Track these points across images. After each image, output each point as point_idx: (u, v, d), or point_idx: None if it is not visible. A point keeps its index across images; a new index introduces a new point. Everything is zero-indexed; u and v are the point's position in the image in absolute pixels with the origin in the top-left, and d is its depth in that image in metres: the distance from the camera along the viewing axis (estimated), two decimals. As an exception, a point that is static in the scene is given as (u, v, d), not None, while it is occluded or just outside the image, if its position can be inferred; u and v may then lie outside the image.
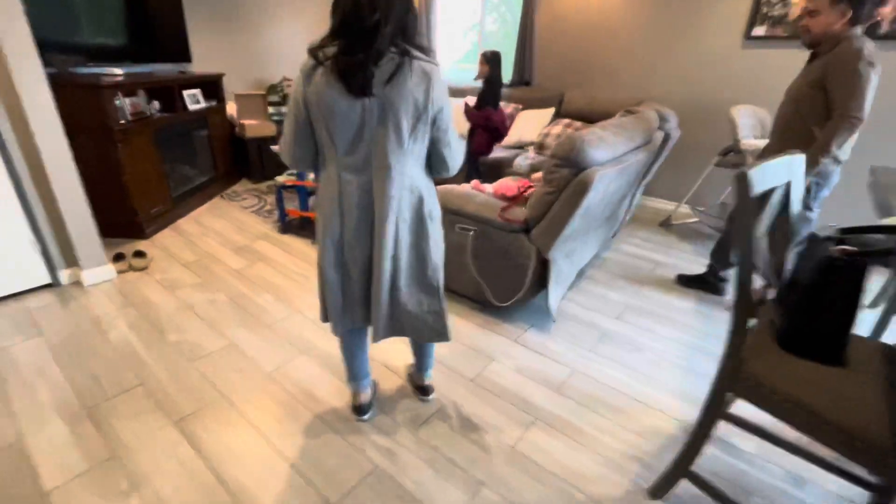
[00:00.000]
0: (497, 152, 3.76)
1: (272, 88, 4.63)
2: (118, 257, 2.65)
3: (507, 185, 2.39)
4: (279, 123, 4.30)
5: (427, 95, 1.11)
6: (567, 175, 1.79)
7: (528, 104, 4.19)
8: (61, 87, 2.39)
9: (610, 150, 1.85)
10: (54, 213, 2.29)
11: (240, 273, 2.64)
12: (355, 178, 1.18)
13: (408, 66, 1.07)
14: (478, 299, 2.32)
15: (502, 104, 4.22)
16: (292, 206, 3.36)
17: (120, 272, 2.57)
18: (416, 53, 1.09)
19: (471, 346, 2.06)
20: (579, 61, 4.09)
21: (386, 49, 1.05)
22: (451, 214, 2.13)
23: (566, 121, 3.86)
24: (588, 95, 3.86)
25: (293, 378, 1.82)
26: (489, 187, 2.44)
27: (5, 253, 2.21)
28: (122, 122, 2.81)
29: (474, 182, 2.44)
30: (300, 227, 3.25)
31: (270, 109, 4.41)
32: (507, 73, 4.42)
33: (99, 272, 2.47)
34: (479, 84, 3.57)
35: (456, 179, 3.76)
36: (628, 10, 3.71)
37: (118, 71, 3.06)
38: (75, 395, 1.70)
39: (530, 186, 2.40)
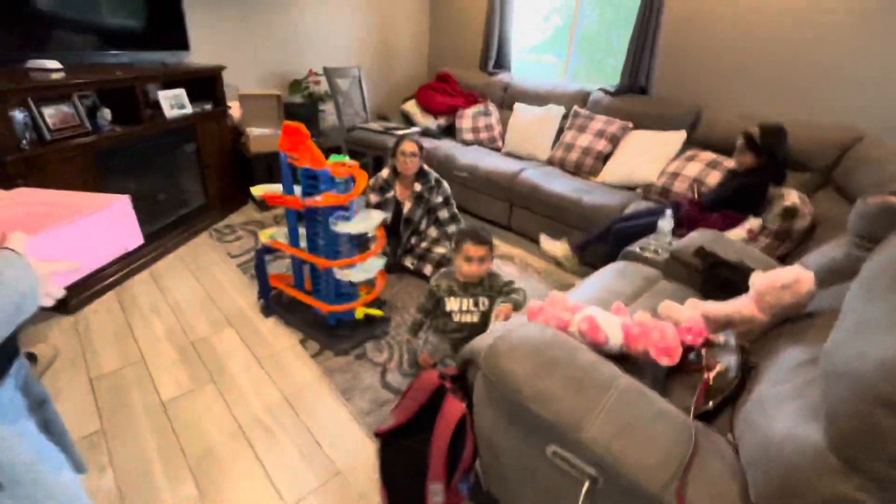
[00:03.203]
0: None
1: (295, 85, 3.59)
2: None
3: (661, 330, 1.14)
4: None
5: None
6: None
7: (641, 121, 2.88)
8: None
9: None
10: None
11: (166, 410, 1.59)
12: None
13: None
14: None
15: (605, 120, 2.95)
16: (279, 268, 2.32)
17: None
18: None
19: None
20: (727, 66, 2.71)
21: None
22: (538, 428, 0.94)
23: (709, 156, 2.51)
24: (748, 118, 2.48)
25: None
26: (608, 324, 1.19)
27: None
28: (27, 145, 1.84)
29: (574, 304, 1.19)
30: (288, 308, 2.14)
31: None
32: (613, 78, 3.12)
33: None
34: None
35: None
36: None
37: (51, 64, 2.11)
38: None
39: (708, 341, 1.15)
